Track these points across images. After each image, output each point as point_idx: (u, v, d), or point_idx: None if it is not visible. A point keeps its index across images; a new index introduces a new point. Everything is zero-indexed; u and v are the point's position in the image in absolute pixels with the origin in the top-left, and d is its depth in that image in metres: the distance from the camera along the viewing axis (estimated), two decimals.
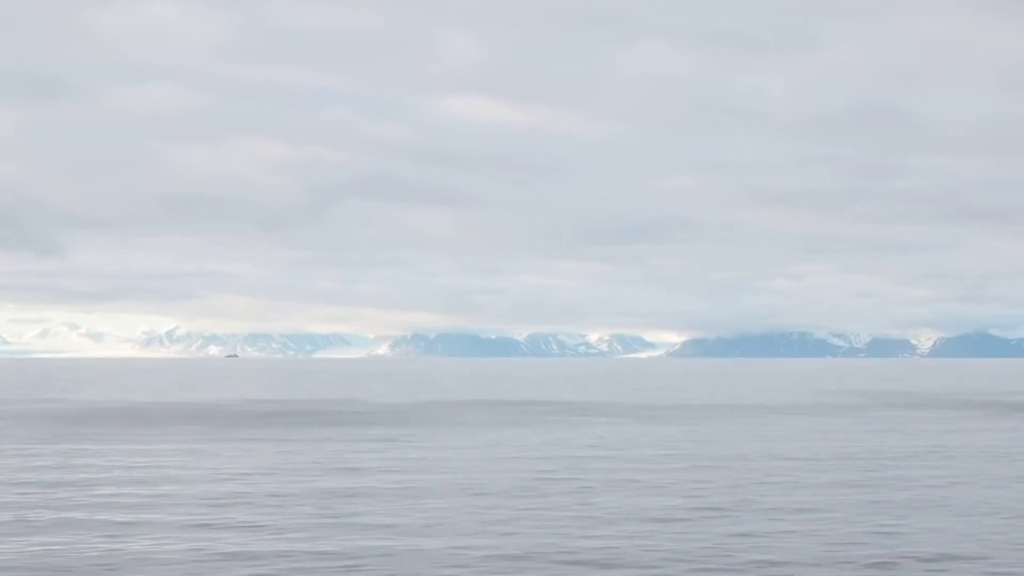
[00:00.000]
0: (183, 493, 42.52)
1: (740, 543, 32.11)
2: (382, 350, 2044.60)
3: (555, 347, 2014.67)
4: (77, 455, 57.66)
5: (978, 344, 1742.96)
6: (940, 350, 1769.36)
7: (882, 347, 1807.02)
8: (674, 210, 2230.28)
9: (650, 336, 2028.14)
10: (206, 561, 29.46)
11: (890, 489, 44.24)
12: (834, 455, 58.73)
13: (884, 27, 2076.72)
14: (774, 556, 30.26)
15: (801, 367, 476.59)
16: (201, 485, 45.02)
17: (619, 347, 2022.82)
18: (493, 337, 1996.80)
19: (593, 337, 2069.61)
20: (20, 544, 31.68)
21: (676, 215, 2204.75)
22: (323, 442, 66.10)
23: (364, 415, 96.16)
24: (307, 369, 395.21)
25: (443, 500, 40.69)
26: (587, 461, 55.06)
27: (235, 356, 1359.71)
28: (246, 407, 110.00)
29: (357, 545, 31.58)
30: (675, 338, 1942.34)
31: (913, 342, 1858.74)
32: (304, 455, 57.89)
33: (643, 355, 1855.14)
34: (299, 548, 31.12)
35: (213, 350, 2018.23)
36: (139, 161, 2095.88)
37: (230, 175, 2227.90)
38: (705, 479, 47.34)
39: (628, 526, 34.92)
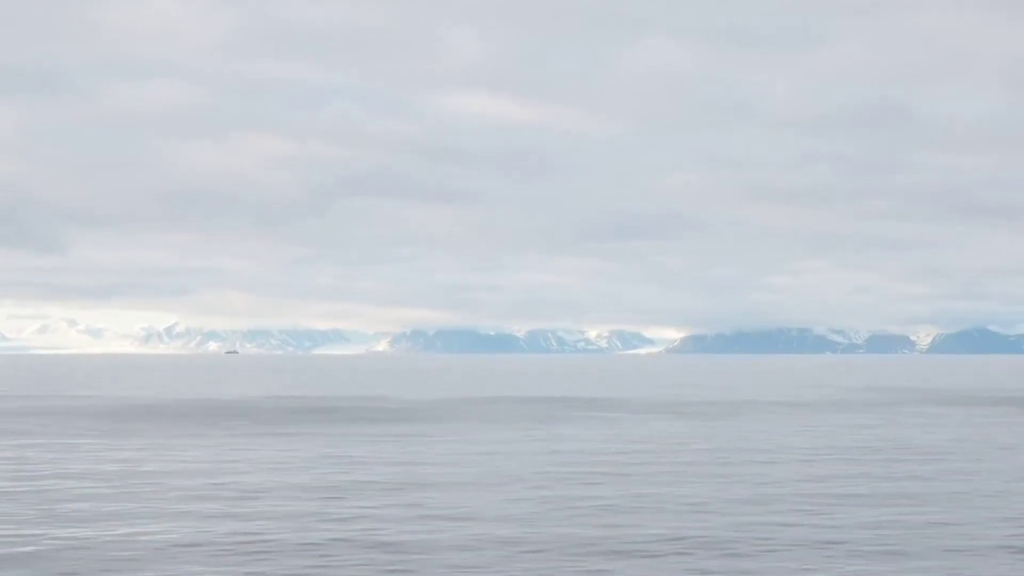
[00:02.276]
0: (279, 484, 43.35)
1: (866, 533, 33.01)
2: (381, 347, 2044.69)
3: (554, 343, 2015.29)
4: (154, 449, 58.53)
5: (977, 341, 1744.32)
6: (939, 346, 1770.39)
7: (881, 343, 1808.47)
8: (675, 207, 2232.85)
9: (649, 332, 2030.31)
10: (319, 549, 30.29)
11: (971, 481, 45.28)
12: (897, 448, 59.81)
13: (888, 25, 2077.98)
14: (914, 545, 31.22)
15: (804, 363, 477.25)
16: (281, 477, 45.86)
17: (618, 343, 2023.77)
18: (492, 334, 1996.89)
19: (592, 333, 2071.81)
20: (184, 529, 32.61)
21: (677, 212, 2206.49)
22: (379, 437, 66.96)
23: (402, 412, 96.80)
24: (315, 365, 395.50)
25: (534, 491, 41.58)
26: (651, 455, 56.06)
27: (235, 352, 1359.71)
28: (279, 403, 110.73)
29: (473, 534, 32.47)
30: (674, 334, 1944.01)
31: (912, 338, 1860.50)
32: (367, 449, 58.80)
33: (642, 351, 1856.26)
34: (416, 538, 31.93)
35: (212, 347, 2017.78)
36: (140, 158, 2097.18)
37: (232, 172, 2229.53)
38: (787, 473, 48.24)
39: (724, 516, 35.80)
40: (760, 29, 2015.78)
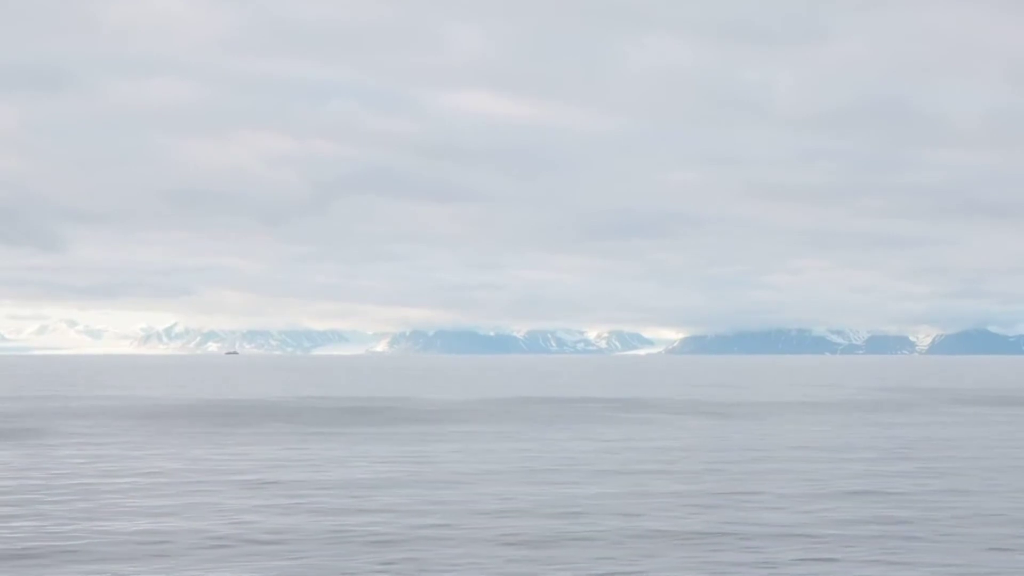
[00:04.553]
0: (377, 479, 44.31)
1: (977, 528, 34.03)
2: (380, 347, 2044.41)
3: (554, 344, 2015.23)
4: (233, 447, 59.56)
5: (977, 341, 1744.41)
6: (939, 347, 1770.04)
7: (881, 344, 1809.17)
8: (676, 205, 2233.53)
9: (648, 332, 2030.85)
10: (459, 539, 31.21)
11: None
12: (955, 446, 60.74)
13: (890, 21, 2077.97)
14: None
15: (807, 364, 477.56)
16: (370, 473, 46.81)
17: (617, 344, 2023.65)
18: (492, 334, 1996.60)
19: (592, 334, 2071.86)
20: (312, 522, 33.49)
21: (678, 210, 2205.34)
22: (434, 437, 67.85)
23: (437, 412, 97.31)
24: (321, 366, 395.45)
25: (625, 486, 42.59)
26: (714, 452, 57.03)
27: (235, 353, 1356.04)
28: (313, 404, 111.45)
29: (590, 526, 33.35)
30: (674, 335, 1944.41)
31: (912, 339, 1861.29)
32: (428, 448, 59.65)
33: (642, 352, 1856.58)
34: (544, 534, 32.89)
35: (212, 347, 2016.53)
36: (142, 155, 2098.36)
37: (233, 169, 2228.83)
38: (875, 469, 49.26)
39: (806, 513, 36.75)
40: (762, 25, 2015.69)
